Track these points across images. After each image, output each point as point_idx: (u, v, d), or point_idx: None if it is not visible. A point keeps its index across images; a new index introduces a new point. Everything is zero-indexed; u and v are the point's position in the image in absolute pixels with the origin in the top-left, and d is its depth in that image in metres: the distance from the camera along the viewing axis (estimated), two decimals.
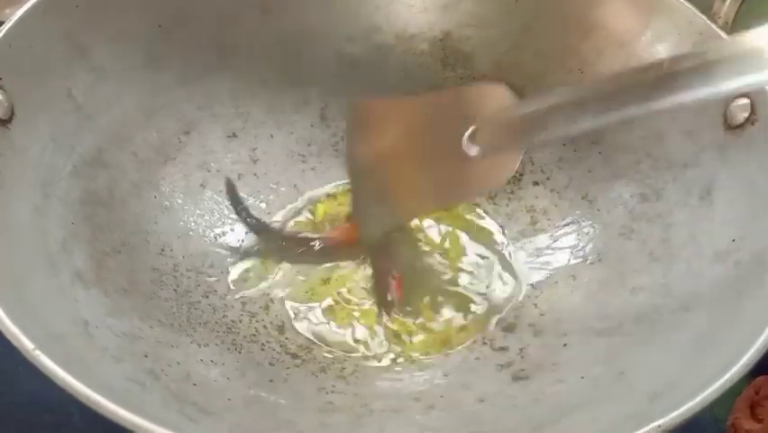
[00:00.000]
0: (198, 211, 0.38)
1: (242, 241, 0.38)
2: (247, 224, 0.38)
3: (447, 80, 0.42)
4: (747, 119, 0.33)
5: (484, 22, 0.41)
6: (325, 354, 0.34)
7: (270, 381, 0.31)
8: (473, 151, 0.32)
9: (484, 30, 0.41)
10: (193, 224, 0.37)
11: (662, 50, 0.37)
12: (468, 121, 0.32)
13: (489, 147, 0.31)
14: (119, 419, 0.21)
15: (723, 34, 0.35)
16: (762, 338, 0.25)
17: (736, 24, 0.36)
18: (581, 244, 0.37)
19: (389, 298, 0.36)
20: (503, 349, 0.34)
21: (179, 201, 0.37)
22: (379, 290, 0.36)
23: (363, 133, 0.36)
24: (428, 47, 0.42)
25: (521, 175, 0.41)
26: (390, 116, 0.35)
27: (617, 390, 0.28)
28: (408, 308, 0.35)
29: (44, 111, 0.33)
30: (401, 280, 0.36)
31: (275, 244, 0.38)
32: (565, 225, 0.39)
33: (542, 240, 0.39)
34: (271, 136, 0.41)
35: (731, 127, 0.33)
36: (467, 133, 0.32)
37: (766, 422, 0.34)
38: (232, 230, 0.38)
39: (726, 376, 0.24)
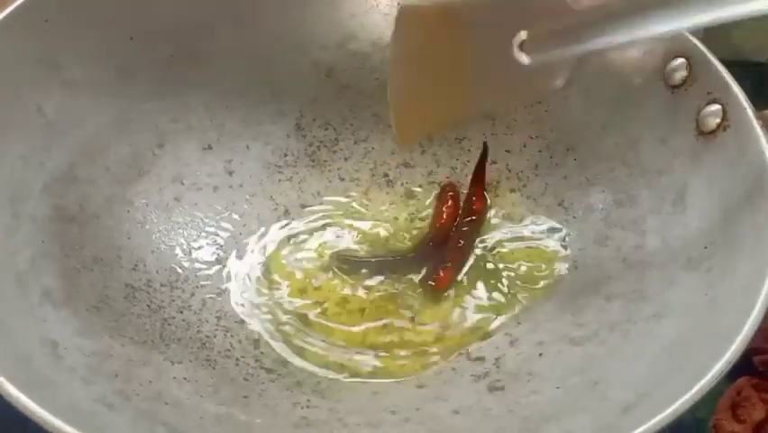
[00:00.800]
0: (173, 225, 0.37)
1: (218, 255, 0.38)
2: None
3: None
4: (719, 125, 0.33)
5: None
6: (301, 369, 0.33)
7: (244, 396, 0.31)
8: (524, 58, 0.31)
9: None
10: (167, 238, 0.37)
11: (635, 56, 0.37)
12: (520, 26, 0.31)
13: (540, 54, 0.30)
14: None
15: (695, 40, 0.35)
16: (734, 347, 0.25)
17: (708, 30, 0.36)
18: (557, 251, 0.37)
19: (431, 282, 0.36)
20: (479, 359, 0.34)
21: (153, 215, 0.37)
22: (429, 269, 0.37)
23: (411, 33, 0.34)
24: None
25: (497, 183, 0.41)
26: (440, 18, 0.33)
27: (591, 400, 0.28)
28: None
29: (13, 128, 0.33)
30: (449, 274, 0.37)
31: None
32: (541, 233, 0.39)
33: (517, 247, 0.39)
34: (247, 147, 0.41)
35: (703, 133, 0.33)
36: (519, 39, 0.31)
37: (748, 423, 0.35)
38: (206, 244, 0.38)
39: (698, 387, 0.24)
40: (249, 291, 0.37)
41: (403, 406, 0.31)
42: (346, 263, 0.38)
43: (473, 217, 0.39)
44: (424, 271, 0.37)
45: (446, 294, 0.37)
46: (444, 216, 0.39)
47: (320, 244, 0.39)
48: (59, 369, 0.26)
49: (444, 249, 0.38)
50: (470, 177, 0.41)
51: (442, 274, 0.37)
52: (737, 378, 0.36)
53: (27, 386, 0.23)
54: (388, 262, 0.38)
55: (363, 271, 0.37)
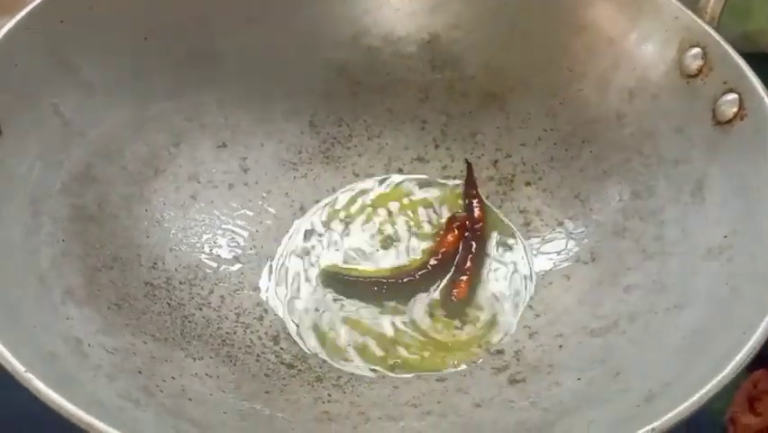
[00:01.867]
0: (190, 223, 0.38)
1: (235, 252, 0.38)
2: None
3: (435, 82, 0.42)
4: (736, 114, 0.33)
5: (472, 23, 0.41)
6: (321, 363, 0.33)
7: (266, 392, 0.31)
8: None
9: (472, 31, 0.41)
10: (184, 236, 0.37)
11: (650, 47, 0.37)
12: None
13: None
14: None
15: (710, 30, 0.35)
16: (755, 336, 0.25)
17: (723, 19, 0.36)
18: (574, 244, 0.37)
19: (453, 297, 0.36)
20: (499, 352, 0.34)
21: (171, 214, 0.37)
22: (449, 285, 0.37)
23: None
24: (416, 50, 0.42)
25: (513, 176, 0.41)
26: None
27: (612, 391, 0.28)
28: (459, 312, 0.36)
29: (32, 128, 0.33)
30: (470, 281, 0.36)
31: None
32: (558, 226, 0.38)
33: (535, 241, 0.39)
34: (261, 145, 0.41)
35: (720, 123, 0.33)
36: None
37: (765, 416, 0.35)
38: (224, 241, 0.38)
39: (720, 376, 0.24)
40: (269, 288, 0.37)
41: (424, 399, 0.31)
42: (336, 282, 0.37)
43: (478, 226, 0.39)
44: (437, 291, 0.37)
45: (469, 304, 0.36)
46: (447, 245, 0.38)
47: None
48: (83, 366, 0.26)
49: (446, 270, 0.37)
50: (484, 171, 0.41)
51: (463, 286, 0.36)
52: (754, 371, 0.35)
53: (55, 382, 0.23)
54: (378, 284, 0.37)
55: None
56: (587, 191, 0.38)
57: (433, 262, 0.37)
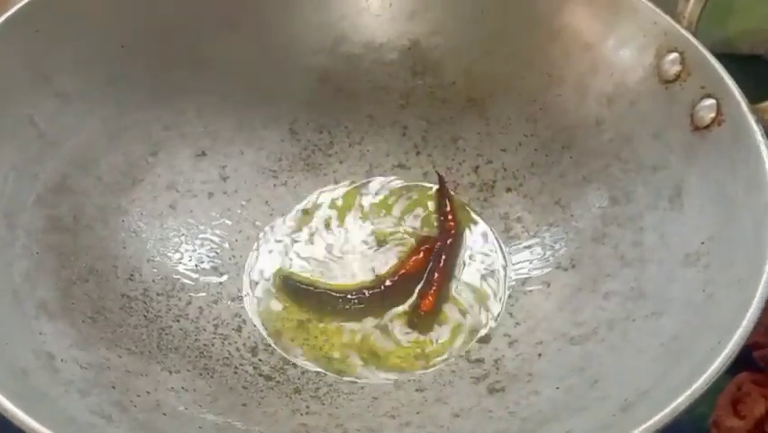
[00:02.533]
0: (168, 233, 0.37)
1: (214, 262, 0.37)
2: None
3: (416, 89, 0.42)
4: (714, 120, 0.33)
5: (451, 29, 0.41)
6: (300, 374, 0.33)
7: (243, 405, 0.31)
8: None
9: (452, 37, 0.41)
10: (162, 247, 0.37)
11: (628, 52, 0.37)
12: None
13: None
14: None
15: (688, 35, 0.35)
16: (731, 344, 0.25)
17: (701, 24, 0.36)
18: (555, 251, 0.37)
19: (421, 310, 0.36)
20: (479, 361, 0.34)
21: (148, 224, 0.37)
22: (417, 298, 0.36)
23: None
24: (397, 56, 0.42)
25: (493, 182, 0.41)
26: None
27: (590, 399, 0.28)
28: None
29: (6, 139, 0.33)
30: (438, 293, 0.36)
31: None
32: (539, 232, 0.38)
33: (515, 247, 0.38)
34: (241, 153, 0.41)
35: (698, 128, 0.33)
36: None
37: (749, 419, 0.34)
38: (202, 251, 0.38)
39: (696, 385, 0.24)
40: (248, 297, 0.36)
41: (403, 410, 0.31)
42: (289, 288, 0.37)
43: (450, 234, 0.38)
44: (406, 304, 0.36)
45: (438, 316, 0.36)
46: (407, 267, 0.37)
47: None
48: (55, 382, 0.26)
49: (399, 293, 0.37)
50: (465, 177, 0.41)
51: (429, 299, 0.36)
52: (738, 373, 0.35)
53: (23, 399, 0.22)
54: (330, 297, 0.36)
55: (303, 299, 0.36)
56: (567, 197, 0.38)
57: (388, 282, 0.37)
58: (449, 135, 0.42)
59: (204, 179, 0.40)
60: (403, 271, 0.37)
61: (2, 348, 0.26)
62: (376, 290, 0.36)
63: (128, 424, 0.26)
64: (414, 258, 0.37)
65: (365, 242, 0.39)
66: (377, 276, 0.38)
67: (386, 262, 0.38)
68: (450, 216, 0.39)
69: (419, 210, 0.40)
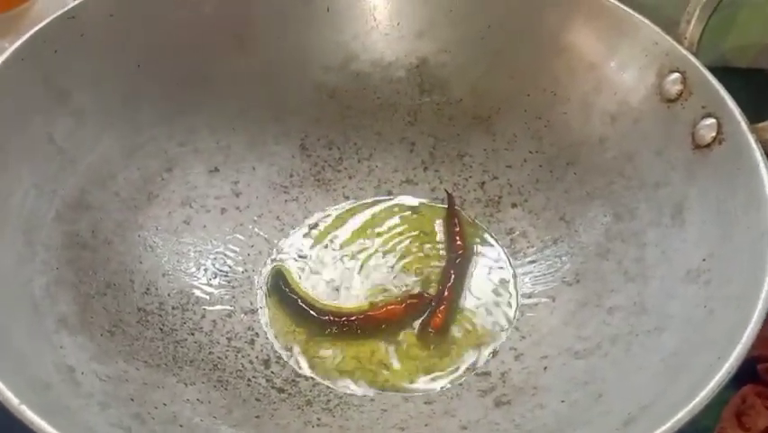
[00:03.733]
0: (182, 248, 0.38)
1: (227, 276, 0.38)
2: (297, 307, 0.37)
3: (424, 106, 0.43)
4: (714, 139, 0.33)
5: (458, 47, 0.42)
6: (311, 387, 0.34)
7: (257, 417, 0.31)
8: None
9: (458, 55, 0.42)
10: (177, 261, 0.38)
11: (631, 72, 0.38)
12: None
13: None
14: None
15: (689, 55, 0.36)
16: (730, 360, 0.25)
17: (702, 45, 0.37)
18: (559, 265, 0.38)
19: (431, 328, 0.36)
20: (486, 374, 0.34)
21: (163, 239, 0.38)
22: (427, 316, 0.37)
23: None
24: (405, 74, 0.43)
25: (499, 198, 0.41)
26: None
27: (594, 413, 0.29)
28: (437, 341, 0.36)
29: (26, 157, 0.33)
30: (448, 311, 0.36)
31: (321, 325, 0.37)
32: (544, 247, 0.39)
33: (521, 262, 0.39)
34: (253, 169, 0.42)
35: (699, 147, 0.34)
36: None
37: (753, 431, 0.35)
38: (215, 265, 0.38)
39: (696, 401, 0.24)
40: (261, 310, 0.37)
41: (412, 422, 0.32)
42: (277, 292, 0.37)
43: (459, 254, 0.39)
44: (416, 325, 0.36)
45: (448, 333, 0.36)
46: (378, 312, 0.37)
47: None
48: (76, 395, 0.27)
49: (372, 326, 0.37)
50: (471, 192, 0.42)
51: (440, 317, 0.36)
52: (742, 386, 0.36)
53: (47, 413, 0.23)
54: (305, 313, 0.37)
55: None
56: (572, 213, 0.39)
57: (353, 318, 0.36)
58: (456, 152, 0.43)
59: (217, 194, 0.40)
60: (372, 313, 0.37)
61: (25, 363, 0.27)
62: (344, 320, 0.36)
63: None
64: (392, 306, 0.37)
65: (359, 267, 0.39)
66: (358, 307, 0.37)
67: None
68: (459, 236, 0.40)
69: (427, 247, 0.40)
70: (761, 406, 0.36)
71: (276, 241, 0.40)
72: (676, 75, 0.36)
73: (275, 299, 0.38)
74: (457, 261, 0.39)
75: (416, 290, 0.38)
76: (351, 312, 0.37)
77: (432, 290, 0.38)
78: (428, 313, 0.37)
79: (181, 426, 0.29)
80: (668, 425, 0.24)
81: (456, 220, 0.41)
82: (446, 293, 0.37)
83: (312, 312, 0.37)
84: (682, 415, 0.24)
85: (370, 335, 0.36)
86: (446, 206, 0.41)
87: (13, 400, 0.23)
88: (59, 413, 0.24)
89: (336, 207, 0.42)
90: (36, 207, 0.33)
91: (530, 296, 0.37)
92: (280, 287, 0.38)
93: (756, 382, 0.36)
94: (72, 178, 0.35)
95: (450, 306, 0.37)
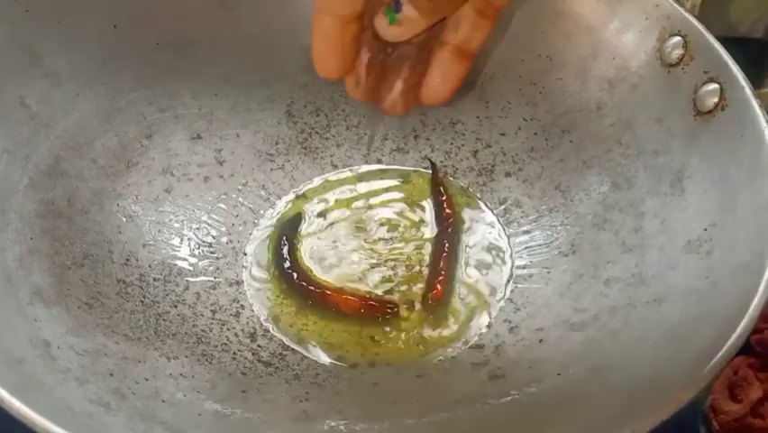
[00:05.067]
0: (164, 217, 0.37)
1: (211, 247, 0.37)
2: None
3: None
4: (717, 104, 0.32)
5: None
6: (299, 360, 0.33)
7: (243, 391, 0.30)
8: None
9: None
10: (158, 231, 0.36)
11: (630, 36, 0.36)
12: None
13: None
14: None
15: (691, 18, 0.34)
16: (736, 333, 0.24)
17: (704, 7, 0.36)
18: (555, 236, 0.37)
19: (432, 299, 0.35)
20: (479, 347, 0.34)
21: (144, 208, 0.36)
22: (425, 286, 0.36)
23: None
24: None
25: (492, 166, 0.40)
26: None
27: (592, 387, 0.28)
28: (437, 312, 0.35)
29: None
30: (446, 281, 0.36)
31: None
32: (539, 217, 0.38)
33: (515, 232, 0.38)
34: (237, 136, 0.40)
35: (701, 113, 0.33)
36: None
37: (745, 402, 0.35)
38: (199, 236, 0.37)
39: (701, 374, 0.23)
40: (246, 282, 0.36)
41: (403, 396, 0.31)
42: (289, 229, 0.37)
43: (449, 222, 0.38)
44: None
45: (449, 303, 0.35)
46: (341, 298, 0.35)
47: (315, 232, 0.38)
48: (52, 370, 0.26)
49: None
50: (464, 161, 0.41)
51: (439, 288, 0.35)
52: (734, 358, 0.36)
53: (19, 389, 0.22)
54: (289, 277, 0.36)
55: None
56: (567, 182, 0.38)
57: (318, 291, 0.35)
58: (447, 119, 0.41)
59: (199, 162, 0.39)
60: (331, 294, 0.35)
61: None
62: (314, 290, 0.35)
63: (126, 412, 0.26)
64: (351, 298, 0.35)
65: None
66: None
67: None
68: (447, 204, 0.39)
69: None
70: (753, 377, 0.36)
71: (261, 211, 0.39)
72: (677, 38, 0.34)
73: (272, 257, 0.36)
74: (449, 230, 0.38)
75: (396, 287, 0.36)
76: (318, 284, 0.36)
77: (422, 264, 0.37)
78: (426, 285, 0.36)
79: (164, 401, 0.27)
80: (672, 400, 0.23)
81: (442, 188, 0.39)
82: (442, 264, 0.36)
83: (293, 275, 0.36)
84: (688, 390, 0.23)
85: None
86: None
87: None
88: (33, 389, 0.23)
89: (324, 175, 0.41)
90: (8, 173, 0.32)
91: (524, 267, 0.37)
92: (281, 243, 0.37)
93: (748, 354, 0.36)
94: (46, 143, 0.34)
95: (447, 276, 0.36)
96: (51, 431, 0.21)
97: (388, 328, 0.35)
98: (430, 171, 0.41)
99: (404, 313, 0.35)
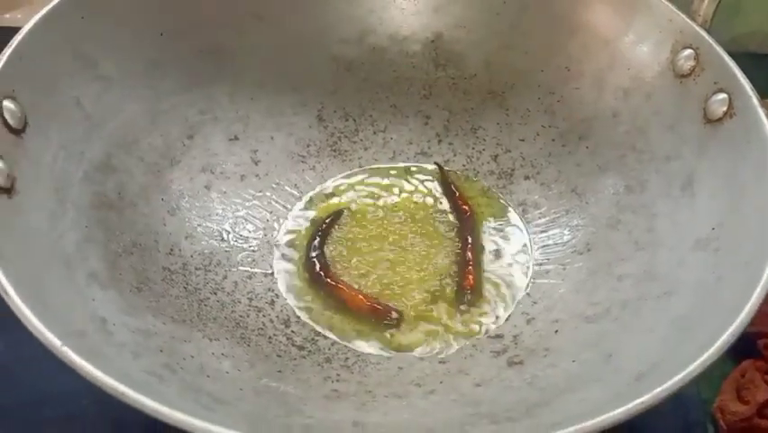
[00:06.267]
0: (204, 212, 0.39)
1: (247, 240, 0.39)
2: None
3: (439, 80, 0.44)
4: (726, 113, 0.34)
5: (474, 23, 0.43)
6: (330, 345, 0.35)
7: (279, 371, 0.32)
8: None
9: (474, 31, 0.43)
10: (199, 224, 0.38)
11: (645, 48, 0.39)
12: None
13: None
14: (144, 407, 0.23)
15: (702, 32, 0.36)
16: (738, 320, 0.26)
17: (715, 22, 0.38)
18: (571, 235, 0.39)
19: (466, 288, 0.37)
20: (498, 337, 0.35)
21: (186, 203, 0.39)
22: (459, 279, 0.37)
23: None
24: (420, 48, 0.44)
25: (512, 170, 0.42)
26: None
27: (605, 372, 0.30)
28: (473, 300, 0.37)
29: (55, 120, 0.34)
30: (475, 270, 0.37)
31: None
32: (556, 218, 0.40)
33: (533, 232, 0.40)
34: (271, 138, 0.42)
35: (710, 121, 0.35)
36: None
37: (752, 404, 0.36)
38: (235, 229, 0.39)
39: (705, 356, 0.25)
40: (280, 274, 0.38)
41: (427, 379, 0.33)
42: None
43: (467, 217, 0.40)
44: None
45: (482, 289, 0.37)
46: (349, 296, 0.37)
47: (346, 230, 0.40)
48: (110, 343, 0.28)
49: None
50: (485, 165, 0.43)
51: (470, 276, 0.37)
52: (742, 361, 0.37)
53: (87, 356, 0.24)
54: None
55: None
56: (583, 185, 0.40)
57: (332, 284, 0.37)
58: (469, 125, 0.44)
59: (236, 161, 0.41)
60: (341, 288, 0.37)
61: (61, 311, 0.28)
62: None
63: (177, 384, 0.28)
64: (360, 296, 0.37)
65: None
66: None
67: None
68: (461, 200, 0.41)
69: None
70: (760, 380, 0.36)
71: (293, 208, 0.41)
72: (689, 51, 0.36)
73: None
74: (468, 222, 0.40)
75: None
76: (334, 276, 0.38)
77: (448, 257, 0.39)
78: (459, 277, 0.38)
79: (208, 376, 0.30)
80: (678, 377, 0.25)
81: (452, 187, 0.41)
82: (469, 254, 0.38)
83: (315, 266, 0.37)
84: (692, 369, 0.25)
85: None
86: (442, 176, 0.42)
87: (55, 342, 0.24)
88: (95, 358, 0.25)
89: (352, 175, 0.43)
90: (66, 167, 0.34)
91: (542, 264, 0.38)
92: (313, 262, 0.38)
93: (756, 357, 0.37)
94: (98, 141, 0.36)
95: (476, 266, 0.38)
96: (122, 391, 0.23)
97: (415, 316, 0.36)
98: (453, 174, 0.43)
99: (430, 309, 0.37)
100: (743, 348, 0.37)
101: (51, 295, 0.28)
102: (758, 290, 0.27)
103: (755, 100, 0.33)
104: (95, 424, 0.34)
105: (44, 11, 0.35)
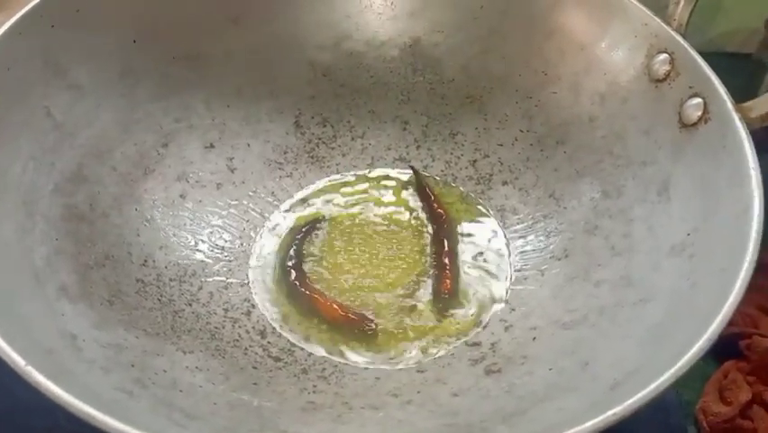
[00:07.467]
0: (179, 221, 0.39)
1: (222, 250, 0.39)
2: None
3: (417, 85, 0.44)
4: (701, 118, 0.34)
5: (451, 27, 0.43)
6: (307, 356, 0.35)
7: (254, 384, 0.32)
8: None
9: (451, 35, 0.43)
10: (174, 234, 0.38)
11: (620, 53, 0.38)
12: None
13: None
14: (109, 428, 0.22)
15: (677, 36, 0.36)
16: (711, 328, 0.26)
17: (690, 27, 0.38)
18: (549, 241, 0.39)
19: (443, 293, 0.37)
20: (476, 345, 0.35)
21: (160, 213, 0.38)
22: (436, 284, 0.38)
23: None
24: (398, 53, 0.43)
25: (490, 175, 0.42)
26: None
27: (581, 380, 0.30)
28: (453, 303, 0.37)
29: (24, 130, 0.34)
30: (452, 274, 0.37)
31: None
32: (533, 223, 0.40)
33: (511, 238, 0.40)
34: (248, 145, 0.42)
35: (686, 126, 0.35)
36: None
37: (735, 405, 0.36)
38: (211, 239, 0.39)
39: (678, 365, 0.25)
40: (256, 284, 0.38)
41: (404, 389, 0.33)
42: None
43: (443, 221, 0.40)
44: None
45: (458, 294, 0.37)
46: (322, 304, 0.37)
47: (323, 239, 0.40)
48: (79, 360, 0.28)
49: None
50: (463, 170, 0.43)
51: (447, 281, 0.37)
52: (725, 362, 0.37)
53: (52, 375, 0.24)
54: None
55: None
56: (561, 190, 0.40)
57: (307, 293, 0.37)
58: (448, 130, 0.43)
59: (212, 170, 0.41)
60: (317, 298, 0.37)
61: (29, 328, 0.27)
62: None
63: (148, 400, 0.28)
64: (335, 306, 0.36)
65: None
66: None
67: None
68: (436, 203, 0.41)
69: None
70: (742, 381, 0.37)
71: (270, 216, 0.41)
72: (664, 55, 0.36)
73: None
74: (444, 226, 0.40)
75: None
76: (309, 286, 0.37)
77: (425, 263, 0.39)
78: (436, 281, 0.38)
79: (181, 391, 0.29)
80: (653, 386, 0.24)
81: (428, 190, 0.41)
82: (446, 259, 0.38)
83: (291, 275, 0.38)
84: (666, 378, 0.25)
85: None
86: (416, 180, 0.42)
87: (19, 361, 0.24)
88: (63, 376, 0.24)
89: (328, 181, 0.43)
90: (35, 179, 0.34)
91: (519, 270, 0.38)
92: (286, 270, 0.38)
93: (739, 358, 0.37)
94: (70, 151, 0.36)
95: (453, 270, 0.38)
96: (87, 412, 0.23)
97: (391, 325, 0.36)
98: (434, 179, 0.43)
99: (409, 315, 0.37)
100: (725, 349, 0.37)
101: (20, 310, 0.28)
102: (731, 298, 0.27)
103: (730, 105, 0.33)
104: None
105: (12, 20, 0.34)
